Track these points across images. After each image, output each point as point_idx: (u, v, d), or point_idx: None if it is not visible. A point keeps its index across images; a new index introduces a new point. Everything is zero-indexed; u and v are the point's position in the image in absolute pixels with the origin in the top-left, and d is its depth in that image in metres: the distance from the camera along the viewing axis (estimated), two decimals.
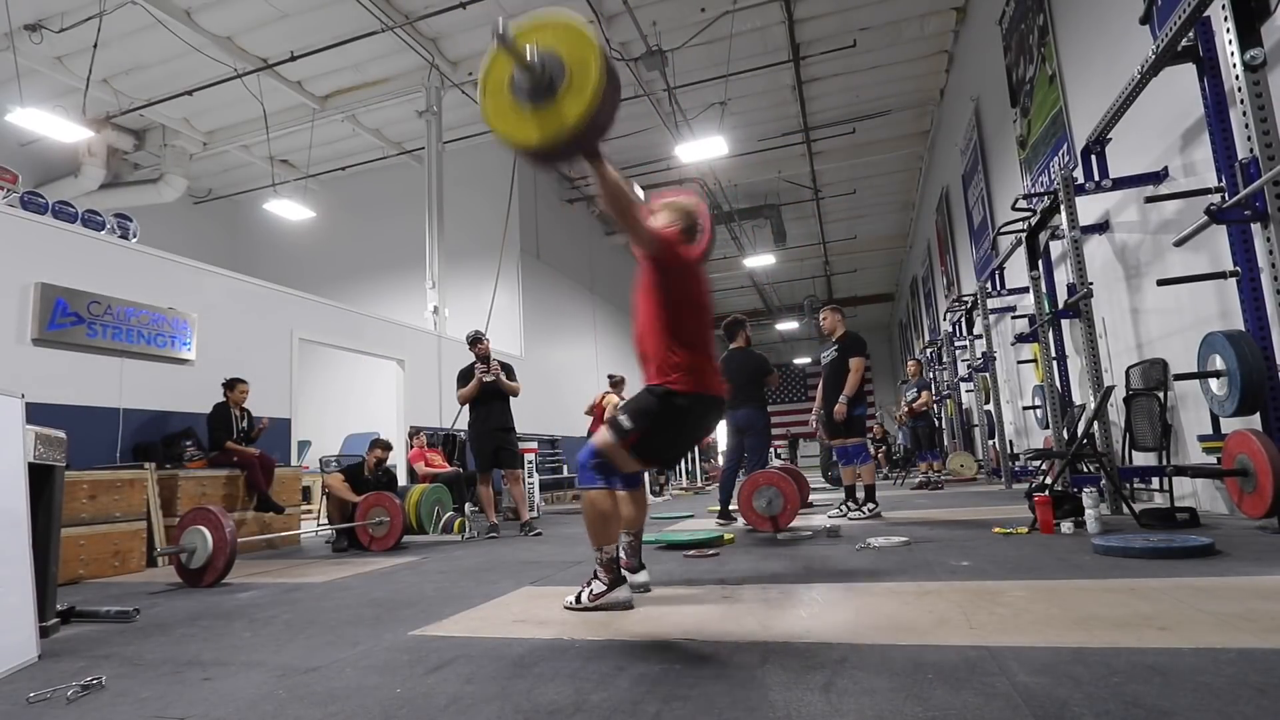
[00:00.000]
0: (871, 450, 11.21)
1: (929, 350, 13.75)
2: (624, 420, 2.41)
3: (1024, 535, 3.65)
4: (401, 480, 7.28)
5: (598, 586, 2.41)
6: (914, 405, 8.79)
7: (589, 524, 2.44)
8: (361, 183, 13.03)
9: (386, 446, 5.80)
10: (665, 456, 2.69)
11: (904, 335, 22.01)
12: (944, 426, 12.52)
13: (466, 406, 5.93)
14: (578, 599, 2.44)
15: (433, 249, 9.83)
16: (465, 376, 5.90)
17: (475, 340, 5.92)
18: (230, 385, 5.70)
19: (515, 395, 6.05)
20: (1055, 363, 5.75)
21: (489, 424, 5.84)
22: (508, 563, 3.90)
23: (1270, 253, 3.02)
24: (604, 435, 2.45)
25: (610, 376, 8.93)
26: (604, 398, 8.76)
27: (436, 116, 9.97)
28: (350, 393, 11.77)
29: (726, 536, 4.14)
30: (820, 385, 5.42)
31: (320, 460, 7.43)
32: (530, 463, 7.54)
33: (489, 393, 5.85)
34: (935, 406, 11.17)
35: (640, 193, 3.42)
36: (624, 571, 2.53)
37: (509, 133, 2.09)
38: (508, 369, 6.00)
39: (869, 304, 23.95)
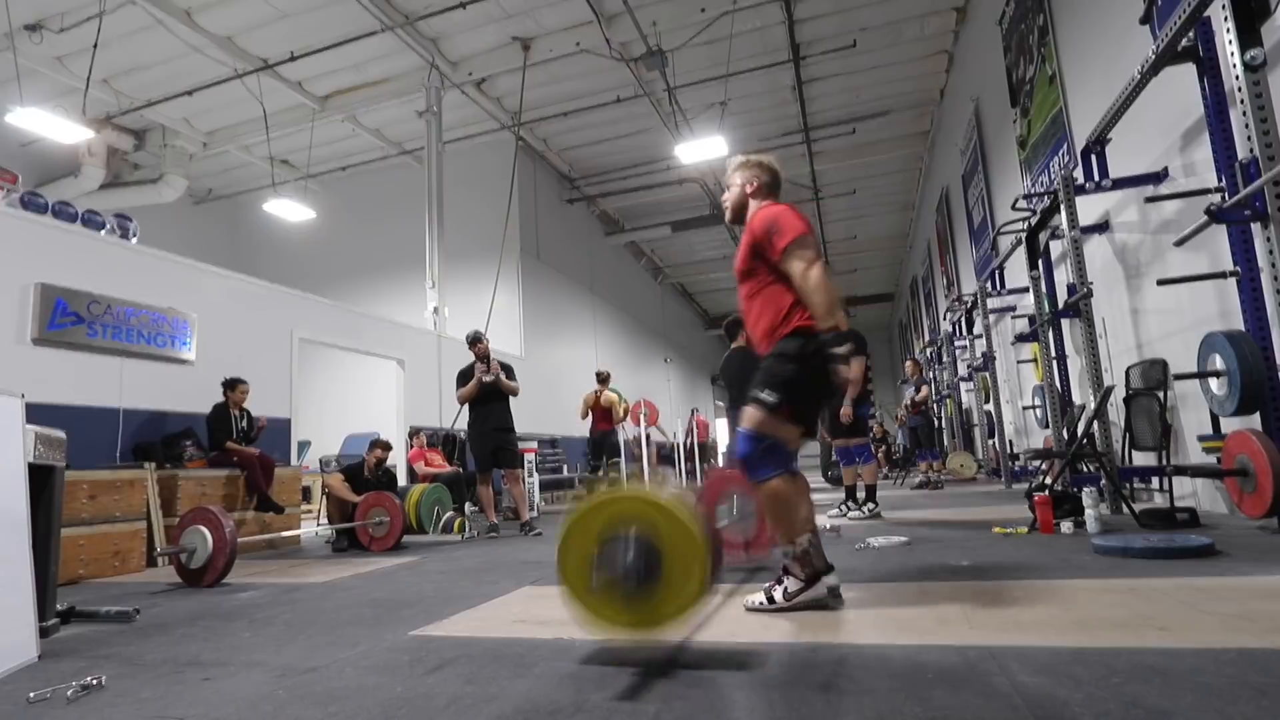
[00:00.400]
0: (873, 450, 11.07)
1: (929, 350, 13.76)
2: (768, 394, 2.23)
3: (1024, 535, 3.65)
4: (401, 480, 7.28)
5: (792, 584, 2.21)
6: (916, 400, 8.78)
7: (775, 518, 2.27)
8: (361, 183, 13.03)
9: (386, 447, 5.81)
10: (811, 417, 2.41)
11: (904, 335, 22.01)
12: (944, 426, 12.54)
13: (466, 406, 5.93)
14: (769, 599, 2.22)
15: (433, 249, 9.83)
16: (465, 376, 5.90)
17: (475, 340, 5.93)
18: (230, 385, 5.69)
19: (515, 395, 6.05)
20: (1055, 363, 5.75)
21: (489, 424, 5.83)
22: (508, 563, 3.90)
23: (1270, 253, 3.02)
24: (756, 414, 2.24)
25: (599, 373, 8.91)
26: (600, 394, 8.73)
27: (436, 116, 9.97)
28: (350, 393, 11.77)
29: None
30: None
31: (320, 460, 7.43)
32: (530, 463, 7.54)
33: (488, 393, 5.84)
34: (935, 406, 11.19)
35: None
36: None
37: (590, 612, 1.84)
38: (507, 369, 6.00)
39: (869, 304, 23.93)
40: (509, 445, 5.89)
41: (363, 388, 11.54)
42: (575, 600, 1.84)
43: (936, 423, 11.08)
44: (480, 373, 5.84)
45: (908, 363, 9.29)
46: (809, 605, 2.20)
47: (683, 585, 1.76)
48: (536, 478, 7.74)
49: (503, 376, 5.90)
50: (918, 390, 8.85)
